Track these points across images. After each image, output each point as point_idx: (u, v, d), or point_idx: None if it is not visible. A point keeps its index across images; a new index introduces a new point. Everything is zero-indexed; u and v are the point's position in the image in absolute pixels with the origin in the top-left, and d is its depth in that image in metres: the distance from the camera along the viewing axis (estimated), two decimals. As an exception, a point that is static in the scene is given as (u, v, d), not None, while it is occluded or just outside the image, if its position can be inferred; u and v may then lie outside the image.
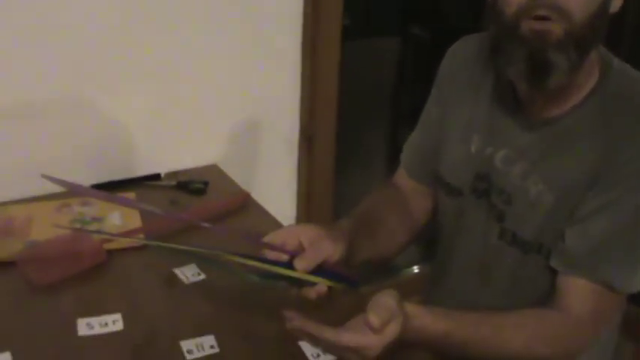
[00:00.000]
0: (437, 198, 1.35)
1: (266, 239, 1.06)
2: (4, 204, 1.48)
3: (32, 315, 1.16)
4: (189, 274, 1.26)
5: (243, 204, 1.55)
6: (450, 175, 1.29)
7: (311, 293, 1.03)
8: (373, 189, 1.39)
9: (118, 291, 1.22)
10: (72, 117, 1.58)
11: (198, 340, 1.09)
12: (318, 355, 1.08)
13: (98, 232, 1.36)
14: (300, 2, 1.81)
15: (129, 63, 1.61)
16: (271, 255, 1.04)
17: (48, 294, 1.20)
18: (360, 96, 3.33)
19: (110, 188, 1.57)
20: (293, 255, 1.03)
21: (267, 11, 1.77)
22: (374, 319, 0.93)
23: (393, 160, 3.82)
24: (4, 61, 1.48)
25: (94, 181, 1.59)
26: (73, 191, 1.28)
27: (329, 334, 0.94)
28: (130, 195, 1.55)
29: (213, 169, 1.76)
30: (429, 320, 1.02)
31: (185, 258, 1.28)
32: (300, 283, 1.03)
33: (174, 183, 1.63)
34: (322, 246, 1.05)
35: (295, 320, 0.95)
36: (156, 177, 1.66)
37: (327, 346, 0.99)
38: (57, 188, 1.51)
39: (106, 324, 1.12)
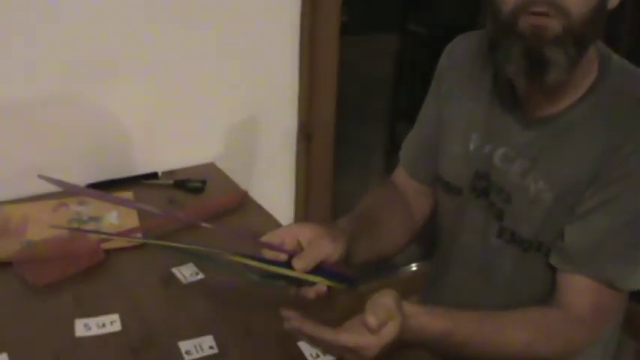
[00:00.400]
0: (436, 196, 1.35)
1: (264, 239, 1.05)
2: (0, 204, 1.47)
3: (29, 316, 1.15)
4: (187, 273, 1.26)
5: (241, 202, 1.54)
6: (449, 174, 1.28)
7: (310, 293, 1.03)
8: (372, 187, 1.39)
9: (116, 291, 1.21)
10: (68, 116, 1.58)
11: (197, 340, 1.08)
12: (317, 356, 1.07)
13: (95, 231, 1.36)
14: (298, 0, 1.80)
15: (126, 61, 1.61)
16: (269, 254, 1.03)
17: (45, 295, 1.19)
18: (359, 92, 3.33)
19: (107, 187, 1.56)
20: (291, 254, 1.02)
21: (265, 8, 1.76)
22: (371, 319, 0.92)
23: (391, 157, 3.84)
24: (-1, 59, 1.47)
25: (92, 180, 1.58)
26: (69, 191, 1.27)
27: (327, 334, 0.93)
28: (128, 194, 1.54)
29: (211, 168, 1.76)
30: (427, 320, 1.01)
31: (183, 257, 1.27)
32: (298, 283, 1.02)
33: (171, 182, 1.62)
34: (321, 245, 1.04)
35: (293, 320, 0.94)
36: (153, 176, 1.65)
37: (325, 346, 0.99)
38: (54, 188, 1.50)
39: (104, 325, 1.11)
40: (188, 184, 1.61)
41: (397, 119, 3.74)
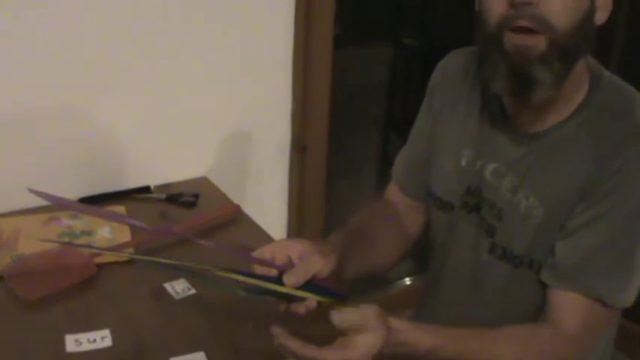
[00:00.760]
0: (429, 212, 1.35)
1: (255, 254, 1.05)
2: (-8, 217, 1.46)
3: (19, 331, 1.14)
4: (179, 289, 1.25)
5: (234, 216, 1.54)
6: (441, 190, 1.28)
7: (300, 308, 1.02)
8: (364, 203, 1.39)
9: (107, 306, 1.21)
10: (61, 129, 1.57)
11: (189, 356, 1.08)
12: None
13: (87, 245, 1.35)
14: (292, 12, 1.80)
15: (118, 75, 1.60)
16: (260, 270, 1.03)
17: (35, 309, 1.19)
18: (352, 104, 3.33)
19: (100, 201, 1.56)
20: (282, 269, 1.02)
21: (258, 22, 1.76)
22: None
23: (384, 171, 3.82)
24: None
25: (84, 194, 1.58)
26: (59, 205, 1.26)
27: (312, 351, 0.93)
28: (120, 208, 1.53)
29: (204, 182, 1.75)
30: (416, 335, 1.01)
31: (174, 272, 1.27)
32: (289, 298, 1.01)
33: (164, 196, 1.62)
34: (312, 261, 1.04)
35: (281, 337, 0.94)
36: (146, 190, 1.65)
37: None
38: (45, 201, 1.51)
39: (95, 340, 1.10)
40: (180, 198, 1.61)
41: (390, 131, 3.74)
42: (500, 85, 1.06)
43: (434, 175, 1.30)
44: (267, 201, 1.96)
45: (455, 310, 1.31)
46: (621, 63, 2.54)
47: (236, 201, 1.63)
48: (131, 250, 1.34)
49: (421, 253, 1.45)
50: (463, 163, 1.23)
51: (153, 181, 1.68)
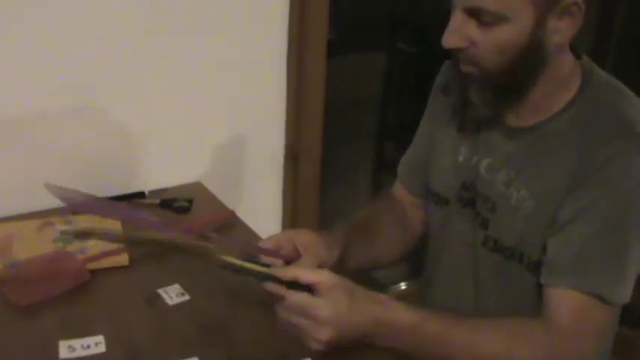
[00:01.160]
0: (427, 208, 1.39)
1: (261, 243, 1.13)
2: (-15, 223, 1.46)
3: (12, 337, 1.14)
4: (173, 294, 1.25)
5: (228, 222, 1.54)
6: (438, 185, 1.33)
7: None
8: (358, 210, 1.42)
9: (101, 312, 1.20)
10: (54, 135, 1.57)
11: (182, 362, 1.08)
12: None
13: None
14: (286, 18, 1.80)
15: (112, 81, 1.60)
16: (266, 259, 1.11)
17: (29, 315, 1.18)
18: (346, 111, 3.33)
19: (93, 206, 1.55)
20: (287, 260, 1.08)
21: (252, 28, 1.76)
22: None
23: (379, 177, 3.83)
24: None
25: (77, 199, 1.57)
26: (75, 204, 1.26)
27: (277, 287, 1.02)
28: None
29: (198, 187, 1.75)
30: (396, 309, 1.04)
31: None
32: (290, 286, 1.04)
33: (158, 201, 1.62)
34: (317, 252, 1.12)
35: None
36: (140, 195, 1.65)
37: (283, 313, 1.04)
38: (39, 207, 1.51)
39: (89, 346, 1.10)
40: (175, 203, 1.60)
41: (385, 138, 3.74)
42: (455, 98, 1.21)
43: (433, 173, 1.35)
44: (261, 207, 1.96)
45: (452, 305, 1.32)
46: (618, 59, 2.56)
47: (230, 207, 1.63)
48: (126, 256, 1.34)
49: (416, 257, 1.46)
50: (460, 159, 1.27)
51: (147, 187, 1.67)
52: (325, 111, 1.98)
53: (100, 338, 1.12)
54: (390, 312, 1.04)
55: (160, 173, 1.72)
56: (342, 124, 3.01)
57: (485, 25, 1.06)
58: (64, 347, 1.09)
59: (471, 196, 1.26)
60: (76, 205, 1.25)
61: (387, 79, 3.73)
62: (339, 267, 1.16)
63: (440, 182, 1.33)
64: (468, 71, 1.12)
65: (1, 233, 1.41)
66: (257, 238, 1.51)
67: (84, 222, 1.46)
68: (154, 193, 1.67)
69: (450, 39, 1.09)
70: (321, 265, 1.11)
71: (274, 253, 1.11)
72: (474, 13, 1.06)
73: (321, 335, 1.00)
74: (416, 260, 1.47)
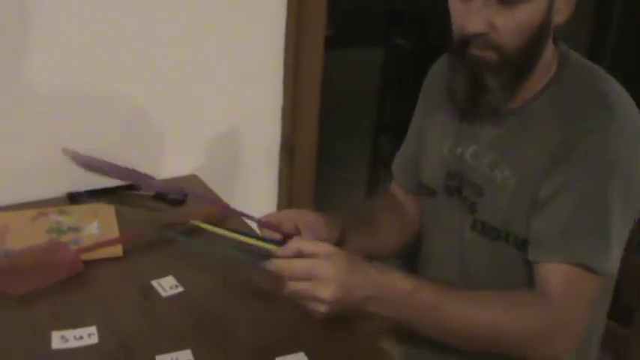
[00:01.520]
0: (421, 204, 1.42)
1: (264, 218, 1.18)
2: (-21, 212, 1.45)
3: (5, 327, 1.13)
4: (166, 286, 1.25)
5: (222, 215, 1.53)
6: (427, 178, 1.36)
7: None
8: (359, 197, 1.46)
9: (94, 303, 1.20)
10: (49, 126, 1.56)
11: (175, 354, 1.07)
12: (296, 371, 1.07)
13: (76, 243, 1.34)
14: (283, 12, 1.80)
15: (107, 74, 1.60)
16: (267, 234, 1.17)
17: (22, 305, 1.18)
18: (343, 106, 3.34)
19: (88, 197, 1.55)
20: (287, 236, 1.11)
21: (250, 21, 1.76)
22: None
23: (374, 171, 3.83)
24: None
25: (72, 190, 1.57)
26: (94, 168, 1.26)
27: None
28: (109, 205, 1.52)
29: (193, 180, 1.75)
30: (397, 275, 1.05)
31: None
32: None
33: (152, 193, 1.61)
34: (318, 231, 1.17)
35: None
36: (134, 186, 1.64)
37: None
38: (33, 197, 1.51)
39: (81, 337, 1.10)
40: (169, 196, 1.60)
41: (381, 133, 3.74)
42: (460, 88, 1.18)
43: (421, 166, 1.38)
44: (256, 201, 1.96)
45: None
46: (615, 54, 2.56)
47: (225, 199, 1.63)
48: (119, 247, 1.34)
49: (409, 255, 1.47)
50: (445, 150, 1.30)
51: (142, 179, 1.67)
52: (321, 105, 1.98)
53: (93, 329, 1.12)
54: (389, 277, 1.04)
55: (155, 165, 1.72)
56: (338, 119, 3.01)
57: (509, 5, 1.07)
58: (56, 338, 1.09)
59: (456, 185, 1.28)
60: (92, 167, 1.25)
61: (383, 75, 3.73)
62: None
63: (427, 175, 1.36)
64: (484, 56, 1.12)
65: (-6, 223, 1.41)
66: (252, 230, 1.51)
67: (77, 213, 1.46)
68: (149, 184, 1.66)
69: (476, 22, 1.09)
70: None
71: (275, 228, 1.15)
72: None
73: (325, 294, 0.99)
74: (409, 258, 1.48)
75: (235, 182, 1.89)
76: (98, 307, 1.19)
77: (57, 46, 1.51)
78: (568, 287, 1.08)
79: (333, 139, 2.87)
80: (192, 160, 1.79)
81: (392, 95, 3.67)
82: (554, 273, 1.09)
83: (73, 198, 1.56)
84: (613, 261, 1.10)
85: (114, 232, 1.39)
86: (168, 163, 1.75)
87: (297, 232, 1.18)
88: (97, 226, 1.42)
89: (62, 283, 1.24)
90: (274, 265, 1.02)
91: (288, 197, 2.00)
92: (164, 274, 1.27)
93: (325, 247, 1.03)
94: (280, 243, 1.09)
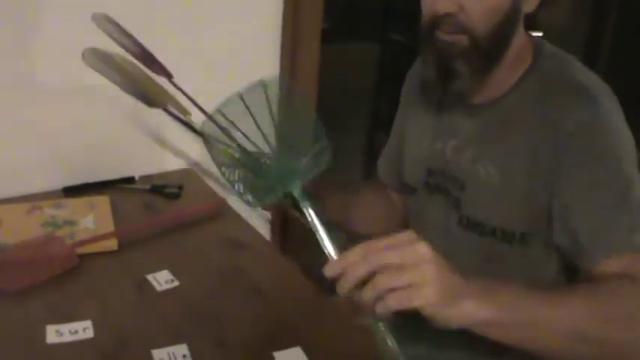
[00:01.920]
0: (405, 202, 1.43)
1: None
2: (-27, 206, 1.44)
3: (-1, 321, 1.13)
4: (162, 280, 1.24)
5: (218, 210, 1.53)
6: (408, 176, 1.37)
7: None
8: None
9: (89, 297, 1.19)
10: (44, 118, 1.55)
11: (171, 349, 1.06)
12: (293, 366, 1.07)
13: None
14: (280, 5, 1.79)
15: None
16: None
17: (16, 300, 1.17)
18: (338, 101, 3.32)
19: (83, 190, 1.54)
20: None
21: (246, 14, 1.75)
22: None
23: (369, 166, 3.81)
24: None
25: (67, 183, 1.56)
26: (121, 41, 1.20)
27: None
28: (104, 198, 1.51)
29: (189, 173, 1.74)
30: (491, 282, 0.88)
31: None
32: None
33: (148, 186, 1.61)
34: None
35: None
36: (130, 180, 1.63)
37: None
38: (28, 191, 1.50)
39: (76, 331, 1.09)
40: (165, 189, 1.59)
41: (376, 128, 3.74)
42: (430, 75, 1.17)
43: (403, 167, 1.39)
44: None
45: None
46: (612, 51, 2.56)
47: (221, 193, 1.63)
48: (115, 241, 1.33)
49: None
50: (424, 147, 1.31)
51: (137, 172, 1.66)
52: (318, 99, 1.98)
53: (88, 323, 1.11)
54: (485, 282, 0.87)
55: (151, 159, 1.71)
56: (333, 113, 3.00)
57: None
58: (51, 332, 1.08)
59: (437, 182, 1.29)
60: (117, 40, 1.20)
61: (379, 69, 3.73)
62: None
63: (408, 173, 1.37)
64: (453, 40, 1.12)
65: (-11, 216, 1.40)
66: (248, 225, 1.51)
67: (72, 206, 1.46)
68: (145, 178, 1.66)
69: (446, 3, 1.10)
70: None
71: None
72: None
73: (427, 273, 0.79)
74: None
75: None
76: (93, 301, 1.18)
77: (51, 37, 1.50)
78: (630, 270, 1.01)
79: (329, 133, 2.87)
80: (189, 154, 1.78)
81: (388, 90, 3.67)
82: (613, 268, 1.03)
83: (69, 192, 1.55)
84: None
85: (109, 226, 1.38)
86: (165, 156, 1.74)
87: None
88: (93, 220, 1.41)
89: (57, 277, 1.23)
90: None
91: (284, 192, 1.99)
92: (160, 268, 1.27)
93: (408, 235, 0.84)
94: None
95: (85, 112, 1.60)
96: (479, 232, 1.21)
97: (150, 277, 1.25)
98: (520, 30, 1.17)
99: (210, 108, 1.56)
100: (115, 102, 1.64)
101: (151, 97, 1.11)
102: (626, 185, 1.08)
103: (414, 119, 1.37)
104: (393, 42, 3.61)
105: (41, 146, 1.57)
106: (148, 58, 1.16)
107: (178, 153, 1.77)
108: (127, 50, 1.18)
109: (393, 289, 0.78)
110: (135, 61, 1.16)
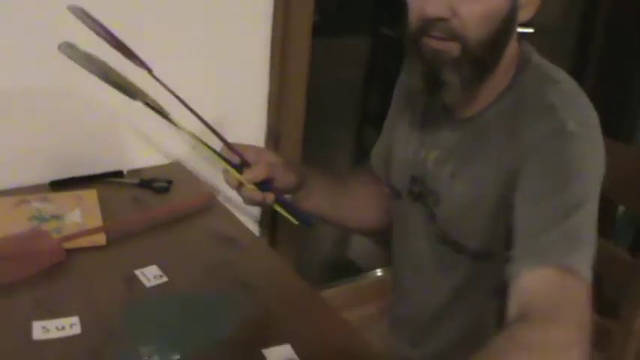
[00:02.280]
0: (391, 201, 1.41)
1: (233, 144, 1.26)
2: (-41, 199, 1.43)
3: (-16, 317, 1.11)
4: (150, 276, 1.23)
5: (207, 205, 1.52)
6: (394, 178, 1.36)
7: (255, 196, 1.22)
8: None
9: (76, 293, 1.18)
10: (31, 111, 1.54)
11: (159, 345, 1.05)
12: (282, 363, 1.06)
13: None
14: (271, -1, 1.78)
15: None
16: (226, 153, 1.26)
17: (2, 295, 1.16)
18: (328, 95, 3.32)
19: (71, 184, 1.53)
20: (245, 164, 1.24)
21: (236, 7, 1.74)
22: None
23: (359, 161, 3.81)
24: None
25: (55, 177, 1.54)
26: (100, 32, 1.27)
27: None
28: (92, 192, 1.50)
29: (178, 167, 1.73)
30: None
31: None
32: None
33: (137, 180, 1.59)
34: (274, 171, 1.23)
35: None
36: (118, 174, 1.62)
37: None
38: (15, 184, 1.48)
39: (63, 327, 1.08)
40: (153, 183, 1.58)
41: (366, 123, 3.74)
42: (417, 84, 1.12)
43: (391, 169, 1.37)
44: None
45: (416, 298, 1.34)
46: (604, 51, 2.56)
47: (210, 187, 1.62)
48: (103, 236, 1.32)
49: (388, 244, 1.48)
50: (410, 153, 1.29)
51: (126, 166, 1.65)
52: (308, 93, 1.97)
53: (75, 319, 1.10)
54: None
55: (140, 152, 1.70)
56: (323, 107, 3.00)
57: None
58: (37, 328, 1.07)
59: (419, 191, 1.27)
60: (97, 32, 1.27)
61: (369, 64, 3.72)
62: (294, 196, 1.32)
63: (395, 175, 1.35)
64: (443, 48, 1.07)
65: (-25, 210, 1.38)
66: (237, 221, 1.50)
67: (59, 200, 1.44)
68: (133, 172, 1.65)
69: (438, 5, 1.03)
70: (273, 182, 1.25)
71: (238, 153, 1.24)
72: None
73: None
74: (389, 247, 1.49)
75: (221, 169, 1.87)
76: (81, 296, 1.17)
77: (37, 32, 1.48)
78: (562, 290, 0.96)
79: (318, 127, 2.86)
80: (178, 147, 1.76)
81: (378, 84, 3.67)
82: (537, 278, 0.97)
83: (56, 185, 1.54)
84: (587, 264, 0.99)
85: (97, 221, 1.37)
86: (153, 149, 1.72)
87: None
88: (80, 214, 1.39)
89: (43, 272, 1.21)
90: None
91: (273, 186, 1.99)
92: (148, 264, 1.25)
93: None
94: (238, 167, 1.24)
95: (73, 105, 1.58)
96: (455, 249, 1.20)
97: (138, 272, 1.24)
98: (513, 40, 1.13)
99: (202, 103, 1.56)
100: (103, 95, 1.63)
101: (131, 90, 1.23)
102: (576, 203, 1.01)
103: (402, 125, 1.35)
104: (383, 37, 3.60)
105: (28, 139, 1.55)
106: (125, 51, 1.16)
107: (168, 147, 1.75)
108: (107, 42, 1.25)
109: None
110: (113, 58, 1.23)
